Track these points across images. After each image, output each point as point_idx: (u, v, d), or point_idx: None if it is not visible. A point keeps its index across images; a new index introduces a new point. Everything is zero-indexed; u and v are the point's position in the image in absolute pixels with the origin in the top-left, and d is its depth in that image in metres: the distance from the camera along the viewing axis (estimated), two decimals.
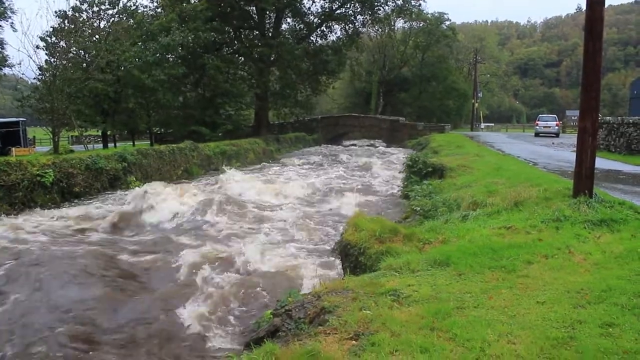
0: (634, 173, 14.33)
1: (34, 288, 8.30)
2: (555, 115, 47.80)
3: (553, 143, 29.83)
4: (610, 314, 3.90)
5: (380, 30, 55.11)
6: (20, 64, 23.50)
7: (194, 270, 9.24)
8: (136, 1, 29.89)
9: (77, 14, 26.42)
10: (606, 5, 7.98)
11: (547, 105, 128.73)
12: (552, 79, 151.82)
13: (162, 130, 38.76)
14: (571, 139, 27.83)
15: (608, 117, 25.20)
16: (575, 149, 7.94)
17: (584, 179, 7.61)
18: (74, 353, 6.29)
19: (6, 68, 29.82)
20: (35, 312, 7.31)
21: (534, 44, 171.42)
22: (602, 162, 15.10)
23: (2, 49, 30.83)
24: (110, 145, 29.60)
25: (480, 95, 67.31)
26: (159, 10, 34.89)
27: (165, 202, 15.04)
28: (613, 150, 21.33)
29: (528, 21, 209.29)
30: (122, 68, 27.05)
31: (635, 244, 5.66)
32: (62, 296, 7.96)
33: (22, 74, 25.11)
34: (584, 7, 7.93)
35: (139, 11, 30.78)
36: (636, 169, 15.47)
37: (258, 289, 8.41)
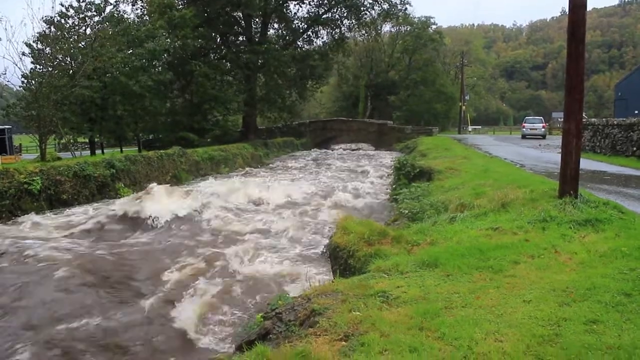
0: (618, 174, 14.52)
1: (20, 294, 8.26)
2: (541, 117, 48.40)
3: (540, 145, 30.16)
4: (594, 312, 3.98)
5: (366, 34, 55.19)
6: (5, 72, 23.08)
7: (185, 274, 9.24)
8: (119, 7, 29.81)
9: (63, 20, 26.27)
10: (589, 9, 8.12)
11: (533, 107, 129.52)
12: (538, 81, 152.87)
13: (150, 136, 38.59)
14: (557, 140, 28.03)
15: (593, 119, 25.53)
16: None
17: (569, 180, 7.71)
18: None
19: None
20: (18, 318, 7.28)
21: (519, 46, 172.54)
22: (587, 163, 15.29)
23: None
24: (98, 152, 29.42)
25: (467, 98, 67.83)
26: (146, 17, 34.76)
27: (155, 205, 14.94)
28: (598, 151, 21.60)
29: (514, 24, 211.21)
30: (109, 74, 26.93)
31: (619, 243, 5.75)
32: (48, 302, 7.92)
33: (8, 81, 24.90)
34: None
35: (125, 17, 30.66)
36: (621, 169, 15.67)
37: (249, 292, 8.42)
